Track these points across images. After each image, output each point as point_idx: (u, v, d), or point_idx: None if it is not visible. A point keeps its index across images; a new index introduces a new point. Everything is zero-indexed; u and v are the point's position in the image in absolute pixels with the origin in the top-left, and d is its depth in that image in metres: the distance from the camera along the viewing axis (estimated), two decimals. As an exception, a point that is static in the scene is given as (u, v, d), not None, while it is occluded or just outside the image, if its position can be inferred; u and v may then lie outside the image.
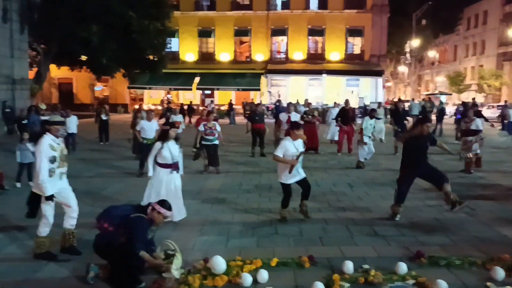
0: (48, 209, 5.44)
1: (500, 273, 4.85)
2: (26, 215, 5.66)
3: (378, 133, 16.74)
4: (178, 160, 7.05)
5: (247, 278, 4.70)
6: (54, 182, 5.38)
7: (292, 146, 6.80)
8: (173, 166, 6.92)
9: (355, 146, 13.70)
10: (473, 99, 24.75)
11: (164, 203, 5.04)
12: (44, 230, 5.47)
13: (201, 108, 33.13)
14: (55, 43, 21.94)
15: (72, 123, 14.53)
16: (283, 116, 11.50)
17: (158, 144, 6.86)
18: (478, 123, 11.11)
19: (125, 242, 4.68)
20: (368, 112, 14.08)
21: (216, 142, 11.28)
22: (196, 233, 6.48)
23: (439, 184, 6.91)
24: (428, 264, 5.23)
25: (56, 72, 33.47)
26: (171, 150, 6.85)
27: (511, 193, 9.07)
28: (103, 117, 17.29)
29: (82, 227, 6.00)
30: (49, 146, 5.36)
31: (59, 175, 5.47)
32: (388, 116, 19.61)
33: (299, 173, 6.92)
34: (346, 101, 15.82)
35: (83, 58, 23.81)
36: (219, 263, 4.90)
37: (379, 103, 33.20)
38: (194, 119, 21.17)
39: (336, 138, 17.68)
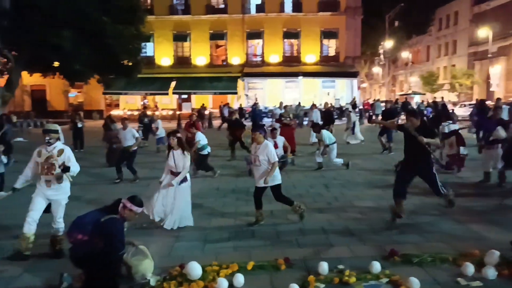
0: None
1: (470, 268, 4.97)
2: None
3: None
4: None
5: (223, 283, 4.70)
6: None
7: None
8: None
9: None
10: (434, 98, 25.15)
11: (134, 199, 4.81)
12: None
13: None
14: (26, 49, 21.49)
15: None
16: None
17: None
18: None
19: (103, 247, 4.51)
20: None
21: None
22: (172, 239, 6.45)
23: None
24: (401, 262, 5.32)
25: (29, 79, 32.75)
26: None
27: (482, 190, 9.31)
28: (78, 124, 17.05)
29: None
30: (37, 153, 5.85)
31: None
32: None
33: None
34: (325, 104, 16.37)
35: (56, 64, 23.35)
36: (195, 269, 4.89)
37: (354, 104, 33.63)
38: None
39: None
